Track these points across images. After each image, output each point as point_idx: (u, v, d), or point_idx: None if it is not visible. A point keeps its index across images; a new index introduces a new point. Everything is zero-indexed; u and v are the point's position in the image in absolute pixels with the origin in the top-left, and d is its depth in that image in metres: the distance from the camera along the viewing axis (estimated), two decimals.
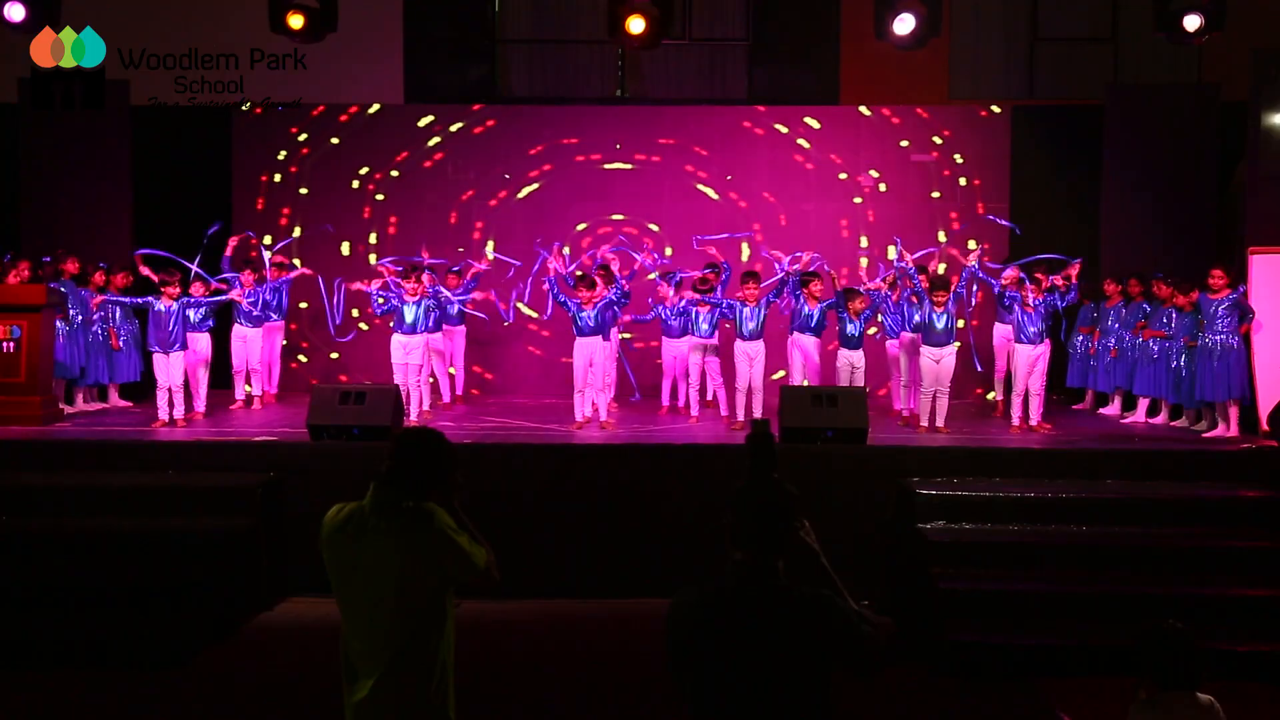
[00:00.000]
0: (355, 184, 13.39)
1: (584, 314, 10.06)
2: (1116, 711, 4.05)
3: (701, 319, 10.63)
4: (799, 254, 10.58)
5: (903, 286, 10.53)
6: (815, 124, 13.33)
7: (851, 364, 10.19)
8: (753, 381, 10.23)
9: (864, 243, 13.20)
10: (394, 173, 13.38)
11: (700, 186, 13.35)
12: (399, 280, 10.59)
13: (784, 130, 13.32)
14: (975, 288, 10.91)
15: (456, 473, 3.36)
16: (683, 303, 10.84)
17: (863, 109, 13.33)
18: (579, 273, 10.57)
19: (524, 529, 8.37)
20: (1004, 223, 12.30)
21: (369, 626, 3.24)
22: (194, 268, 10.54)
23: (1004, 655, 6.99)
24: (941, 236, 13.01)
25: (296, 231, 13.18)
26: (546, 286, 10.44)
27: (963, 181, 13.22)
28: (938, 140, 13.23)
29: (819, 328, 10.38)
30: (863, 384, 10.05)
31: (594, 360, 10.09)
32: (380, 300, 10.54)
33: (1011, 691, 6.72)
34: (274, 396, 11.87)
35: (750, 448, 3.02)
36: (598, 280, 10.49)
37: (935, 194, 13.20)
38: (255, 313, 11.21)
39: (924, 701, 6.67)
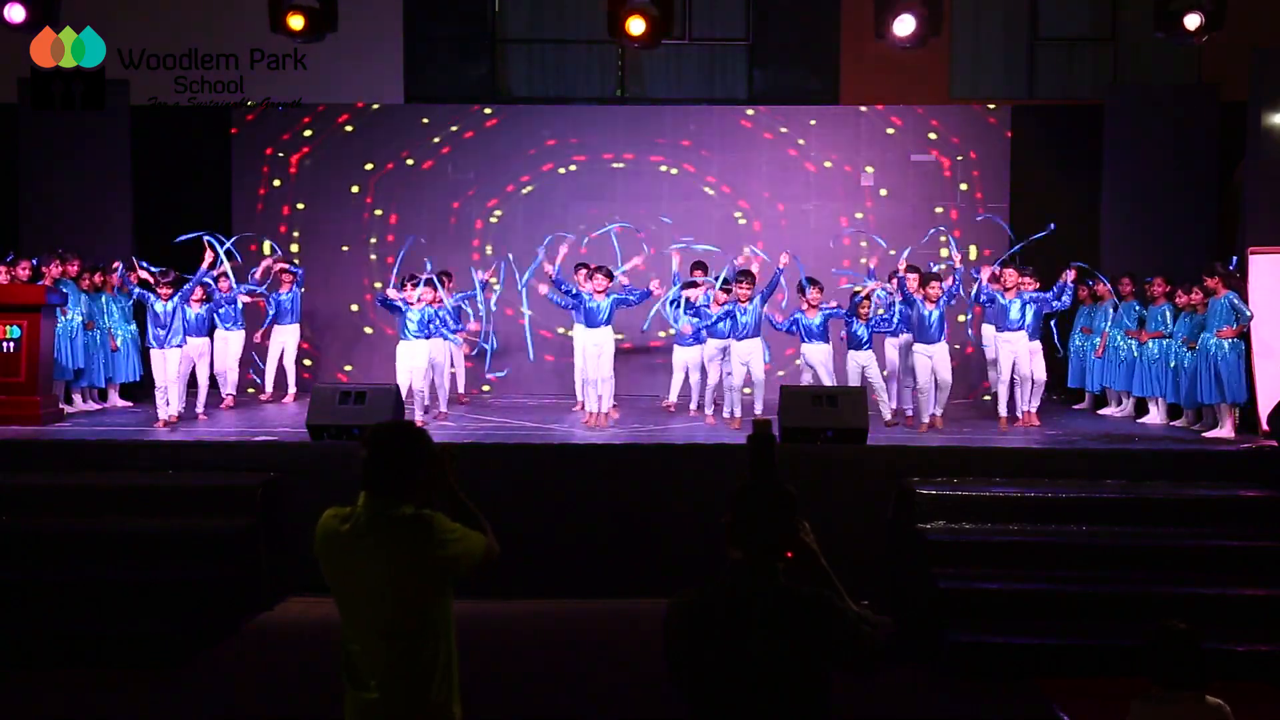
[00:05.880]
0: (355, 184, 13.40)
1: (596, 304, 10.06)
2: (1116, 711, 4.05)
3: (720, 320, 10.55)
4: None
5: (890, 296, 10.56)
6: (815, 124, 13.33)
7: (861, 365, 10.18)
8: (752, 378, 10.26)
9: (863, 243, 13.20)
10: (394, 173, 13.38)
11: (701, 186, 13.35)
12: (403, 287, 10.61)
13: (784, 130, 13.32)
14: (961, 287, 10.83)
15: (433, 463, 3.29)
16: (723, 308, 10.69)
17: (863, 109, 13.33)
18: (594, 265, 10.64)
19: (524, 529, 8.34)
20: (1003, 224, 12.24)
21: (369, 630, 3.22)
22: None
23: (1004, 655, 6.99)
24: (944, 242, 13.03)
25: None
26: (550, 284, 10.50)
27: (963, 183, 13.23)
28: (937, 139, 13.23)
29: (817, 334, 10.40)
30: (878, 377, 10.15)
31: (603, 352, 10.10)
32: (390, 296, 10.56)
33: (1011, 691, 6.72)
34: (232, 401, 11.63)
35: (750, 448, 3.01)
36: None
37: (938, 208, 13.18)
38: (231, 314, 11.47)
39: (924, 701, 6.67)
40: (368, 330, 13.06)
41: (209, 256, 10.42)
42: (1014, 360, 10.29)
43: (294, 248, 13.21)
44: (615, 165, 13.37)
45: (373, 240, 13.32)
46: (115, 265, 11.19)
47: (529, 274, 11.06)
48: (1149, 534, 7.98)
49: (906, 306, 10.15)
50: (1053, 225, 10.89)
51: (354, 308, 13.16)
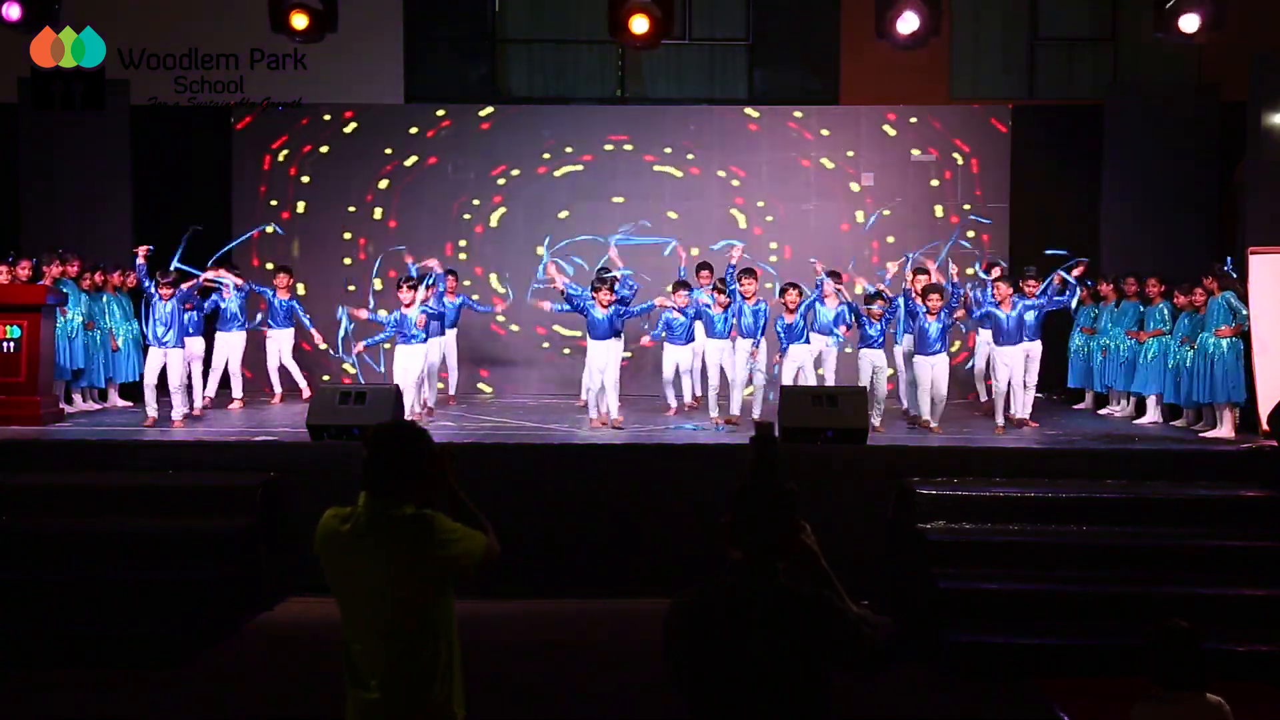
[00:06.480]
0: (355, 184, 13.38)
1: (600, 315, 10.06)
2: (1117, 711, 4.05)
3: (719, 319, 10.58)
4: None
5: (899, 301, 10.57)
6: (815, 124, 13.33)
7: (874, 364, 10.20)
8: (754, 378, 10.28)
9: (863, 222, 13.19)
10: (394, 173, 13.38)
11: (701, 186, 13.35)
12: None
13: (784, 130, 13.32)
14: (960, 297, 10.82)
15: (434, 463, 3.29)
16: (694, 305, 10.74)
17: (863, 109, 13.33)
18: (601, 273, 10.61)
19: (524, 529, 8.33)
20: (984, 220, 12.09)
21: (370, 630, 3.22)
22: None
23: (1004, 655, 6.99)
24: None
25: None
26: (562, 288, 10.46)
27: (963, 183, 13.23)
28: (937, 139, 13.24)
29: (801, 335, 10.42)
30: (884, 384, 10.18)
31: (609, 363, 10.10)
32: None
33: (1011, 691, 6.72)
34: (242, 404, 11.66)
35: (752, 448, 3.02)
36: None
37: (937, 201, 13.18)
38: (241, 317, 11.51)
39: (924, 701, 6.67)
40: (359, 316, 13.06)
41: (229, 281, 10.95)
42: (1009, 371, 10.22)
43: (295, 248, 13.22)
44: (615, 166, 13.37)
45: (372, 237, 13.31)
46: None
47: (530, 292, 11.05)
48: (1149, 534, 7.97)
49: (909, 318, 10.20)
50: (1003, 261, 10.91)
51: (361, 316, 13.11)
